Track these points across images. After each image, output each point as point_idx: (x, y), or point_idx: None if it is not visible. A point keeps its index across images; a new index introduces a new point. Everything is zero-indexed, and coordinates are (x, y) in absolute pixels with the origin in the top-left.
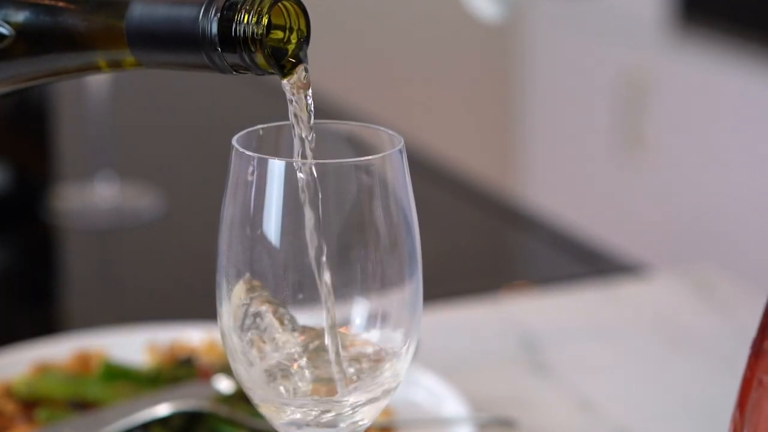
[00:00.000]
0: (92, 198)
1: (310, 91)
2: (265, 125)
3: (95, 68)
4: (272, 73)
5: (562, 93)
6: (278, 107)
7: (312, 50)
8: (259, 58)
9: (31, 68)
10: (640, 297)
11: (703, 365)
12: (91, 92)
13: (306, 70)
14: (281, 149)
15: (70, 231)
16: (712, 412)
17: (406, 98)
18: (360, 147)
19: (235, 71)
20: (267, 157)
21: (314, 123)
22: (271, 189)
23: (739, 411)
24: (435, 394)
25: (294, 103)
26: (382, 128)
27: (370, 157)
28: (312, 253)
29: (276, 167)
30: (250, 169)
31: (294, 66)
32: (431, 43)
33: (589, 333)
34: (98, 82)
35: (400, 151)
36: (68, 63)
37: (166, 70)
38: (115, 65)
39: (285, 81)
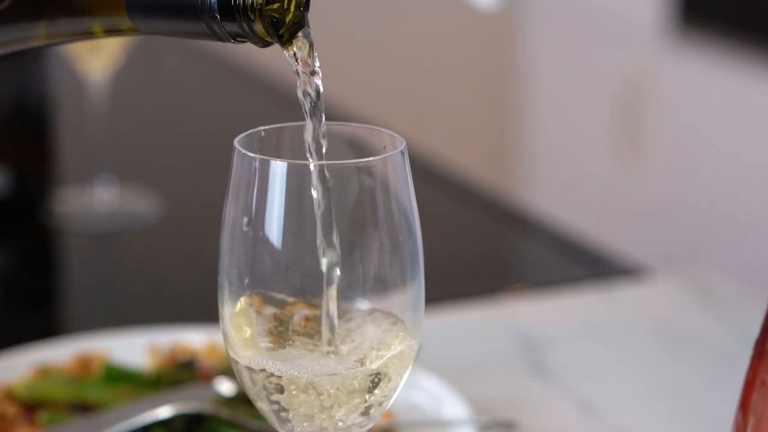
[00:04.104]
0: (92, 201)
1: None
2: (267, 127)
3: (93, 34)
4: (272, 43)
5: (562, 96)
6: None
7: None
8: (258, 27)
9: (28, 32)
10: (640, 300)
11: (704, 368)
12: (91, 96)
13: (307, 35)
14: (283, 150)
15: (70, 234)
16: (714, 415)
17: (404, 100)
18: (361, 148)
19: (235, 40)
20: (269, 158)
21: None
22: (273, 190)
23: (741, 413)
24: (435, 397)
25: (300, 74)
26: (383, 129)
27: (371, 159)
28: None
29: (278, 168)
30: (252, 170)
31: (293, 35)
32: (431, 45)
33: (589, 336)
34: (98, 86)
35: (402, 153)
36: (66, 28)
37: (164, 36)
38: (113, 32)
39: (285, 51)
